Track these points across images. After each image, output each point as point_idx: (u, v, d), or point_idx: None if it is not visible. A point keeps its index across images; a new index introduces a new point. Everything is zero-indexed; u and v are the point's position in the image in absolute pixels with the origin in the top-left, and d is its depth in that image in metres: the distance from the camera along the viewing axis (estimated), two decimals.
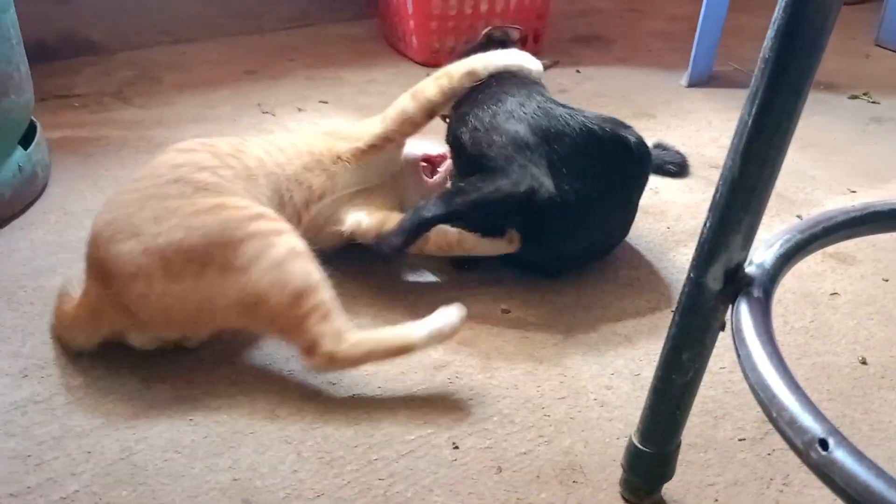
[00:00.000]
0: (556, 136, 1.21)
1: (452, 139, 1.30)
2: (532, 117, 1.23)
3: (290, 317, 1.04)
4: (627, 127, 1.28)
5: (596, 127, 1.23)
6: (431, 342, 1.08)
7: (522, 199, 1.16)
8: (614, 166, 1.25)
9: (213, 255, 1.04)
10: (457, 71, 1.32)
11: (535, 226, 1.23)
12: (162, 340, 1.12)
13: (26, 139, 1.50)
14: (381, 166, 1.33)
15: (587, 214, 1.24)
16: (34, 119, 1.56)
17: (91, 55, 2.13)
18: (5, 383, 1.07)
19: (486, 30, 1.50)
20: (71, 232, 1.40)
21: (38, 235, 1.39)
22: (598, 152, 1.23)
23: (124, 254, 1.04)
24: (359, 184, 1.30)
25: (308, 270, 1.06)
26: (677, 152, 1.68)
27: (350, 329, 1.07)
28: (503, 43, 1.46)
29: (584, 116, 1.24)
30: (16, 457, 0.96)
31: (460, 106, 1.31)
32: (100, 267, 1.07)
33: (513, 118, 1.23)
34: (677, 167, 1.68)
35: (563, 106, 1.27)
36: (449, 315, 1.09)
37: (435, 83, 1.31)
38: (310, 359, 1.06)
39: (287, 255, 1.05)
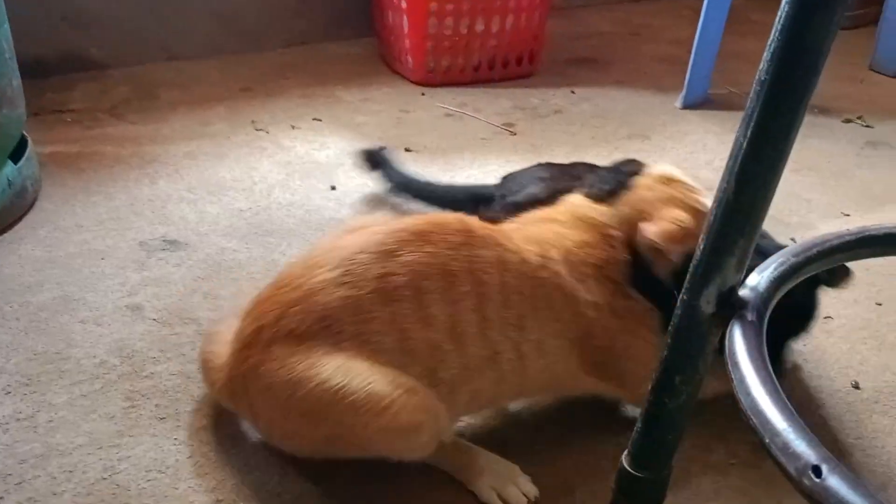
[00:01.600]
0: None
1: None
2: None
3: None
4: None
5: None
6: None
7: None
8: None
9: None
10: None
11: None
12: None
13: (17, 153, 1.49)
14: None
15: None
16: (25, 133, 1.55)
17: (89, 71, 2.13)
18: None
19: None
20: (60, 247, 1.39)
21: (27, 250, 1.38)
22: None
23: None
24: None
25: None
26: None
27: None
28: None
29: None
30: None
31: None
32: None
33: None
34: None
35: None
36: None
37: None
38: None
39: None
